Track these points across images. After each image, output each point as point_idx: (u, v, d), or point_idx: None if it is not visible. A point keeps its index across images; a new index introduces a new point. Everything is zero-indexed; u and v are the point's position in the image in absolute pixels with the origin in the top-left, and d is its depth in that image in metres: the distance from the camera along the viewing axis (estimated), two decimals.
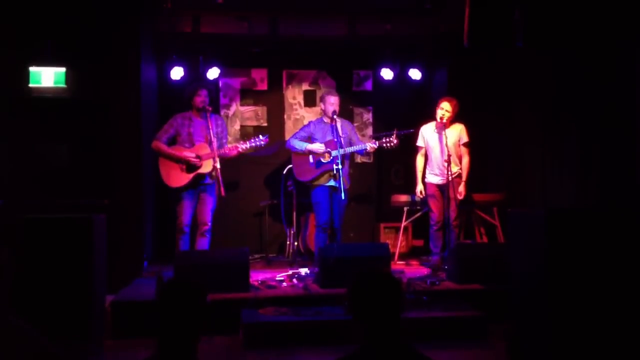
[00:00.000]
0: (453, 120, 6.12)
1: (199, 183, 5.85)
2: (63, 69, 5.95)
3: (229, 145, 5.89)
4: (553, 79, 6.23)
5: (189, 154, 5.78)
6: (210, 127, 5.78)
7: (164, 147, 5.85)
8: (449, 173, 5.91)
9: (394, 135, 5.91)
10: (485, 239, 6.94)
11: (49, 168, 6.01)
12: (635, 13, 5.12)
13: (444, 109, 6.03)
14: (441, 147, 6.06)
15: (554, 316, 3.72)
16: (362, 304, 2.08)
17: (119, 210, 5.74)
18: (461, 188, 6.09)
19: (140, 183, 6.08)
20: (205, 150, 5.81)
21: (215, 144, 5.74)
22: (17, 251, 3.98)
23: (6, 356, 2.01)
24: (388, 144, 5.93)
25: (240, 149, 5.88)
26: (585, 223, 3.79)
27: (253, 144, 5.93)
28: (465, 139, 6.16)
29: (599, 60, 5.59)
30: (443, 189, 6.11)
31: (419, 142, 6.31)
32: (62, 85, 5.96)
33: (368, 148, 6.00)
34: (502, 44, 6.48)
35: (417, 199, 6.52)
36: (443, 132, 6.04)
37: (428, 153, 6.24)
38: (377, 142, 5.97)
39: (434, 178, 6.18)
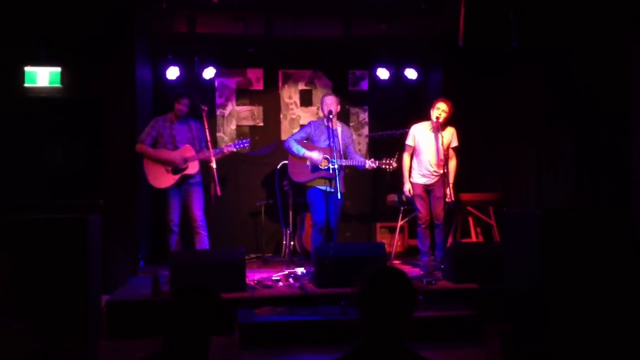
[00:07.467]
0: (446, 122, 6.10)
1: (184, 182, 5.90)
2: (58, 69, 5.93)
3: (214, 149, 5.91)
4: (548, 79, 6.25)
5: (177, 156, 5.81)
6: (191, 129, 5.87)
7: (150, 150, 5.88)
8: (447, 172, 5.92)
9: (395, 159, 6.03)
10: (481, 239, 6.94)
11: (43, 168, 5.99)
12: (628, 13, 5.14)
13: (440, 109, 5.99)
14: (437, 146, 6.05)
15: (548, 315, 3.73)
16: (376, 301, 1.98)
17: (114, 210, 5.72)
18: (448, 191, 6.06)
19: (135, 183, 6.07)
20: (190, 152, 5.87)
21: (197, 146, 5.85)
22: (11, 252, 3.96)
23: (2, 356, 2.01)
24: (387, 166, 6.01)
25: (226, 151, 5.97)
26: (580, 223, 3.81)
27: (238, 147, 6.03)
28: (455, 142, 6.16)
29: (593, 62, 5.60)
30: (429, 189, 6.13)
31: (409, 141, 6.21)
32: (58, 85, 5.95)
33: (367, 166, 6.04)
34: (497, 45, 6.49)
35: (404, 198, 6.49)
36: (440, 133, 6.04)
37: (417, 153, 6.20)
38: (377, 162, 6.02)
39: (421, 179, 6.15)
